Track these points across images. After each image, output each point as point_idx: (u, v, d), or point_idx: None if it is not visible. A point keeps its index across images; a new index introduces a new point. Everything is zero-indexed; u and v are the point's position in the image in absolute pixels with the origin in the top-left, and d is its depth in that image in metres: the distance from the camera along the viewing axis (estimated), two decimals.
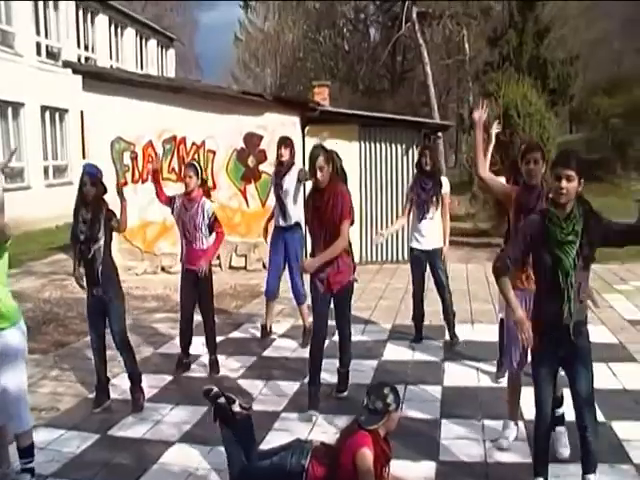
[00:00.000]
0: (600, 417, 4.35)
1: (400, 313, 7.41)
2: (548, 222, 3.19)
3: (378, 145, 10.84)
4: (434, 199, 6.04)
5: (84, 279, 4.91)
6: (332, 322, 4.91)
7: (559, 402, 3.99)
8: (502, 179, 4.66)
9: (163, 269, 10.77)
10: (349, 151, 10.83)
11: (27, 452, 3.69)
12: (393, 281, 9.43)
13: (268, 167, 10.72)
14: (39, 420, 4.57)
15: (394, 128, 10.81)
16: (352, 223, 4.67)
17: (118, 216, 4.84)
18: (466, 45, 23.93)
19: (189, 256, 5.59)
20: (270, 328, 6.68)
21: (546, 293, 3.28)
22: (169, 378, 5.58)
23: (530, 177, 3.98)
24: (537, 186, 3.99)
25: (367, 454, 3.35)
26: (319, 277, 4.66)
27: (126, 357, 5.00)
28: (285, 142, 6.25)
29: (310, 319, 5.45)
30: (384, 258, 11.03)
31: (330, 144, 10.43)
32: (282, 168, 6.30)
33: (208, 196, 5.74)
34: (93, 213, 4.75)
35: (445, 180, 6.15)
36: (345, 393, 5.02)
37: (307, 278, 5.01)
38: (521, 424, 4.24)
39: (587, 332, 3.33)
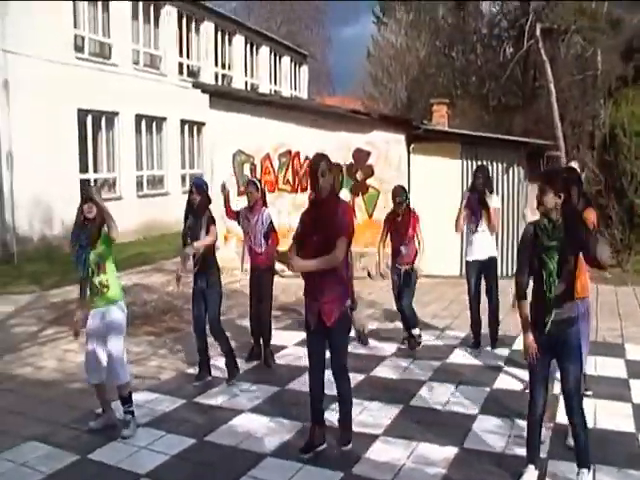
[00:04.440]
0: (630, 428, 4.69)
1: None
2: (538, 230, 3.69)
3: (479, 163, 11.18)
4: (484, 214, 6.55)
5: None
6: None
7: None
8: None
9: (277, 273, 11.73)
10: (451, 168, 11.31)
11: (127, 399, 4.77)
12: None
13: (375, 182, 11.46)
14: (142, 385, 5.64)
15: (495, 147, 11.11)
16: (349, 243, 4.44)
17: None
18: (598, 59, 23.20)
19: (252, 258, 6.45)
20: None
21: (536, 292, 3.76)
22: (253, 364, 6.46)
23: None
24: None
25: None
26: (311, 310, 4.36)
27: (219, 341, 5.90)
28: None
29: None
30: None
31: (433, 161, 11.12)
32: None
33: (265, 204, 6.48)
34: (196, 218, 5.74)
35: (495, 197, 6.70)
36: (349, 446, 4.45)
37: None
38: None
39: (576, 331, 3.74)
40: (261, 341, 6.53)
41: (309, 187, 4.54)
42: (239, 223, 6.57)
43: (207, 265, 5.82)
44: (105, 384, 4.78)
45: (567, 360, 3.72)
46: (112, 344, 4.66)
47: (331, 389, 4.51)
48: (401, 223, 6.79)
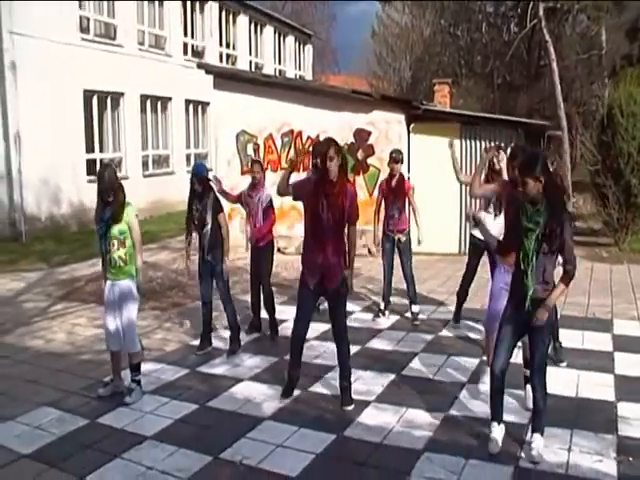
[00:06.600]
0: (610, 397, 4.93)
1: (471, 299, 8.01)
2: (520, 209, 3.89)
3: (478, 143, 11.36)
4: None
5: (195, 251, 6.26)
6: None
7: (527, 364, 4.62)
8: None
9: (279, 250, 11.99)
10: None
11: (136, 368, 5.08)
12: (479, 270, 9.97)
13: (375, 161, 11.65)
14: (148, 356, 5.93)
15: (493, 126, 11.27)
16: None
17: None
18: (602, 39, 23.16)
19: (253, 234, 6.72)
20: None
21: (515, 269, 3.99)
22: (254, 336, 6.75)
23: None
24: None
25: None
26: (313, 272, 4.83)
27: (229, 310, 6.27)
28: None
29: None
30: None
31: (432, 141, 11.29)
32: None
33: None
34: (202, 204, 6.08)
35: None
36: (351, 407, 4.84)
37: None
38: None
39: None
40: (262, 314, 6.86)
41: (311, 167, 4.92)
42: (242, 204, 6.86)
43: (214, 243, 6.13)
44: (121, 352, 5.09)
45: (537, 336, 3.97)
46: (125, 314, 4.98)
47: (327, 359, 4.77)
48: (396, 188, 7.11)
